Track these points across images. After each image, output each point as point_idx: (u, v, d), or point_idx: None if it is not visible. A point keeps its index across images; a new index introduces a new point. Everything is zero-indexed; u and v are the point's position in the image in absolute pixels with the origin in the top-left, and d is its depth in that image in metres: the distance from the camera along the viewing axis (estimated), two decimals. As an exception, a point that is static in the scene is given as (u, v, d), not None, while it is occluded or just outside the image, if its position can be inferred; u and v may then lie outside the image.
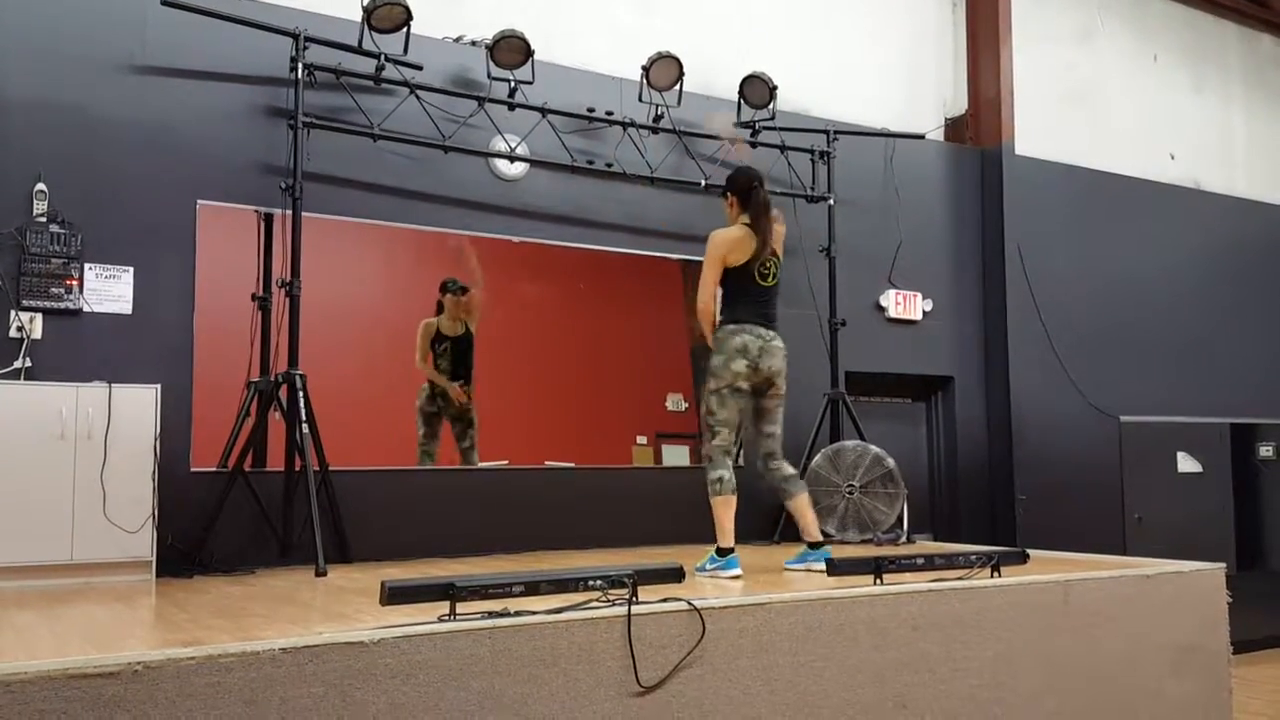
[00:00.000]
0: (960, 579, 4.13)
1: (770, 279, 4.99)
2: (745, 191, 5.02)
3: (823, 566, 4.65)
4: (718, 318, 5.01)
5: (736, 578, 4.66)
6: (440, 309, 6.49)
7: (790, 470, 5.00)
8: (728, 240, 4.95)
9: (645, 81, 6.76)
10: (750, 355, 4.85)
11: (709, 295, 4.99)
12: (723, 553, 4.77)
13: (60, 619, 3.69)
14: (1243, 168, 10.38)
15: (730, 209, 5.12)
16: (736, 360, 4.85)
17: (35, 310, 5.20)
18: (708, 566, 4.78)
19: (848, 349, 7.45)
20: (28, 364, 5.12)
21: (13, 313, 5.15)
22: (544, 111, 6.51)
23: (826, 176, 7.52)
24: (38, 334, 5.19)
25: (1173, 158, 9.87)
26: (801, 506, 4.95)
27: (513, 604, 3.20)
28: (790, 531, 6.85)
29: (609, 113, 6.78)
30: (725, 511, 4.82)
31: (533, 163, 6.62)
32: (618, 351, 6.93)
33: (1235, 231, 9.95)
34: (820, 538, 4.96)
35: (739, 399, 4.90)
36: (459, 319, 6.51)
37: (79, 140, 5.37)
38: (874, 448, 6.80)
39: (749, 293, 4.94)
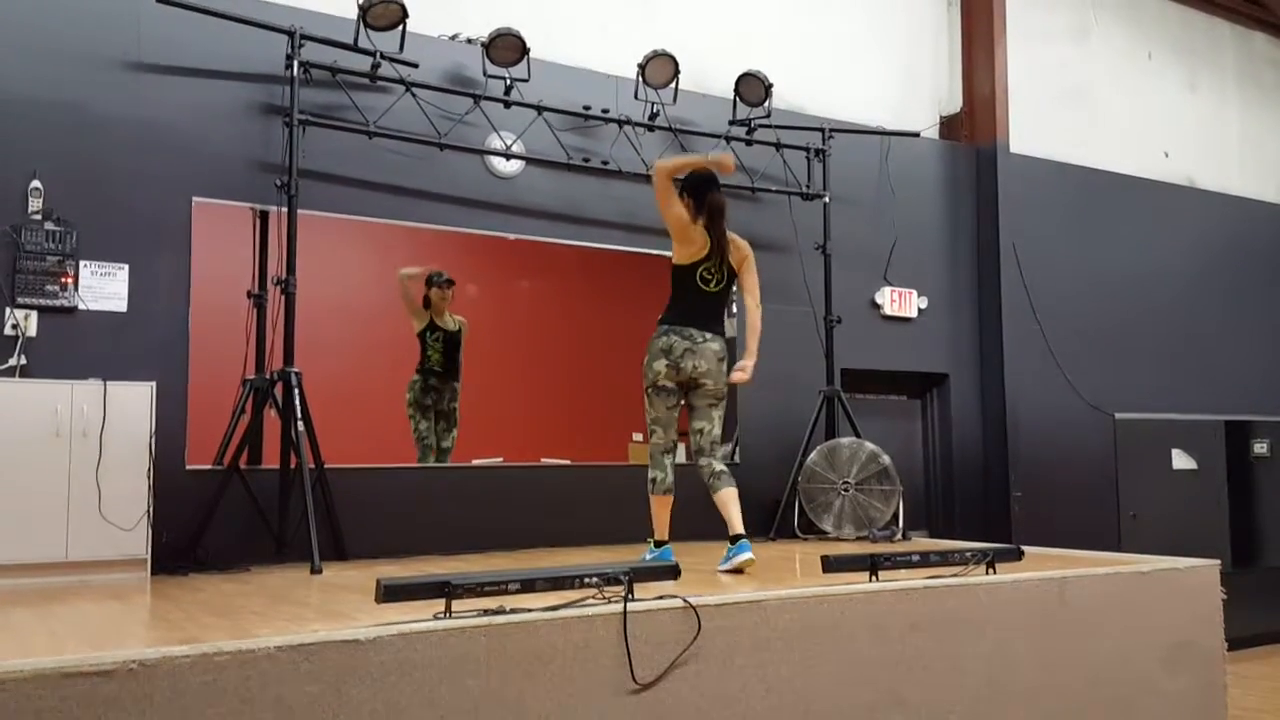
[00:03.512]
0: (956, 576, 4.14)
1: (714, 285, 4.96)
2: (700, 193, 4.99)
3: (745, 557, 4.69)
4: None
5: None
6: (428, 303, 6.49)
7: (719, 467, 4.93)
8: (690, 230, 4.91)
9: (641, 79, 6.76)
10: (672, 356, 4.86)
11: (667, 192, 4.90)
12: (659, 544, 4.93)
13: (55, 617, 3.69)
14: (1236, 165, 10.40)
15: (687, 210, 5.11)
16: (658, 360, 4.89)
17: (30, 308, 5.19)
18: (646, 557, 4.85)
19: (843, 346, 7.45)
20: (23, 362, 5.11)
21: (7, 310, 5.14)
22: (540, 109, 6.51)
23: (822, 174, 7.52)
24: (33, 331, 5.18)
25: (1167, 155, 9.89)
26: (725, 500, 4.86)
27: (508, 601, 3.20)
28: (786, 527, 6.88)
29: (605, 110, 6.78)
30: (660, 510, 4.95)
31: (528, 160, 6.62)
32: (613, 348, 6.93)
33: (1229, 229, 9.98)
34: (742, 530, 4.81)
35: (666, 397, 4.93)
36: (446, 313, 6.50)
37: (74, 137, 5.36)
38: (869, 445, 6.81)
39: (690, 296, 4.94)
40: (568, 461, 6.67)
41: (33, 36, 5.32)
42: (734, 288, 5.09)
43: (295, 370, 5.43)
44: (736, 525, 4.83)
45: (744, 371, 5.06)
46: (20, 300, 5.17)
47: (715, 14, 7.63)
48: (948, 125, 8.69)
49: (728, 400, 5.12)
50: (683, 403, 5.03)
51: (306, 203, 5.72)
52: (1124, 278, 9.19)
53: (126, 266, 5.43)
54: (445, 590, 3.10)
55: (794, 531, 6.89)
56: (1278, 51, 10.94)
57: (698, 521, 5.27)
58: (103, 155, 5.43)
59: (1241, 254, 10.01)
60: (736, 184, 7.18)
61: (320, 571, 4.98)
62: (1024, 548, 4.72)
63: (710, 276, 4.96)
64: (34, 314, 5.20)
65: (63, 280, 5.27)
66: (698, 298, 4.96)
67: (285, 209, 5.61)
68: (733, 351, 5.23)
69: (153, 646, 2.65)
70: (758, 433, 7.24)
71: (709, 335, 4.94)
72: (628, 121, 6.81)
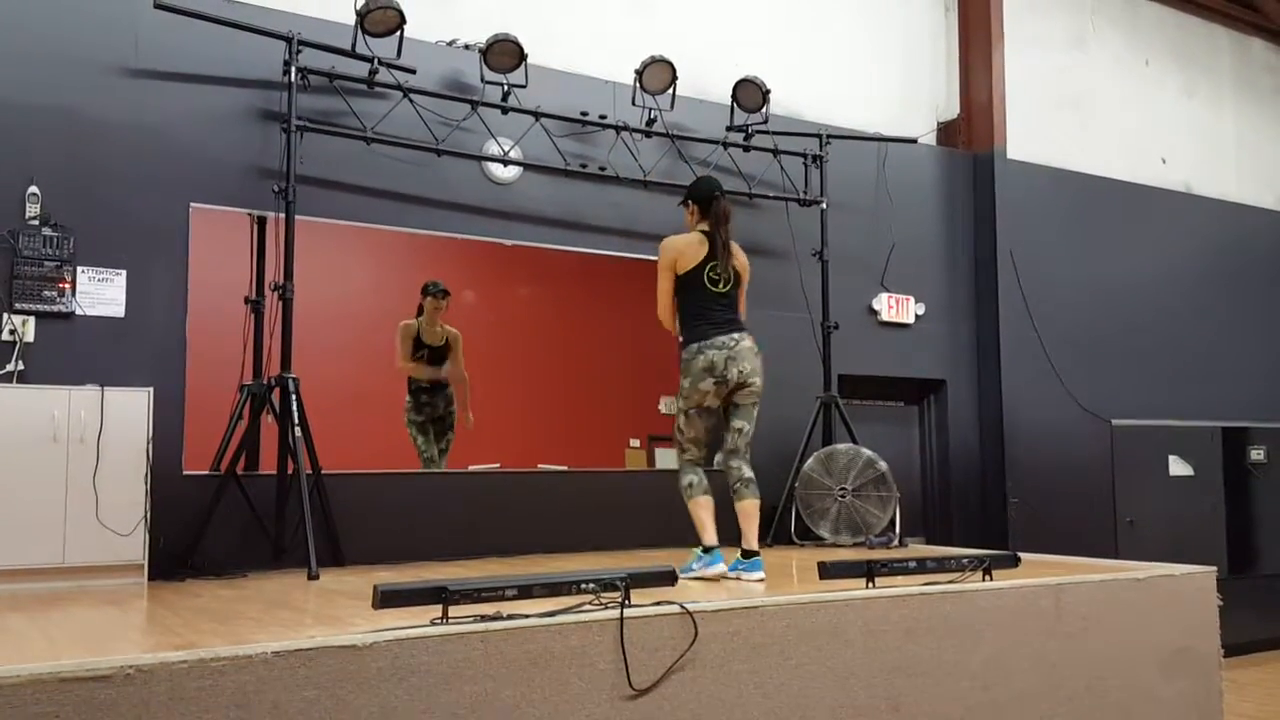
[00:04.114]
0: (952, 582, 4.14)
1: (722, 285, 4.92)
2: (706, 200, 5.03)
3: (757, 576, 4.67)
4: (679, 334, 5.00)
5: (722, 576, 4.69)
6: (420, 312, 6.48)
7: (749, 474, 4.90)
8: (676, 246, 4.95)
9: (638, 85, 6.77)
10: (717, 372, 4.81)
11: (666, 307, 4.96)
12: (707, 550, 4.80)
13: (52, 622, 3.68)
14: (1234, 171, 10.42)
15: (690, 216, 5.13)
16: (704, 380, 4.82)
17: (28, 313, 5.20)
18: (694, 566, 4.78)
19: (840, 352, 7.46)
20: (20, 367, 5.12)
21: (5, 316, 5.14)
22: (537, 115, 6.52)
23: (819, 180, 7.53)
24: (30, 337, 5.19)
25: (1164, 162, 9.90)
26: (749, 511, 4.84)
27: (505, 607, 3.20)
28: (783, 533, 6.88)
29: (602, 116, 6.79)
30: (702, 512, 4.84)
31: (526, 166, 6.63)
32: (610, 354, 6.94)
33: (1226, 235, 10.00)
34: (756, 547, 4.81)
35: (708, 416, 4.93)
36: (438, 325, 6.49)
37: (72, 143, 5.36)
38: (866, 451, 6.81)
39: (704, 303, 4.90)
40: (565, 467, 6.67)
41: (31, 42, 5.32)
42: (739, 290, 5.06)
43: (293, 376, 5.43)
44: (752, 540, 4.81)
45: None
46: (18, 306, 5.18)
47: (713, 20, 7.65)
48: (945, 131, 8.71)
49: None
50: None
51: (304, 209, 5.73)
52: (1121, 284, 9.21)
53: (124, 272, 5.44)
54: (442, 596, 3.10)
55: (791, 538, 6.89)
56: (1275, 58, 10.97)
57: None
58: (100, 161, 5.43)
59: (1238, 260, 10.03)
60: (735, 190, 7.21)
61: (317, 577, 4.98)
62: (1021, 554, 4.72)
63: (718, 276, 4.93)
64: (31, 319, 5.20)
65: (60, 286, 5.27)
66: (710, 300, 4.91)
67: (283, 215, 5.61)
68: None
69: (149, 652, 2.65)
70: (755, 438, 7.21)
71: (738, 335, 4.89)
72: (625, 127, 6.82)
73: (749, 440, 4.98)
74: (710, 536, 4.81)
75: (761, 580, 4.67)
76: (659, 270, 4.97)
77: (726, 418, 4.99)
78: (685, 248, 4.94)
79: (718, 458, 5.02)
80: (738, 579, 4.72)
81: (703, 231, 4.98)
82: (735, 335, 4.88)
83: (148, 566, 4.93)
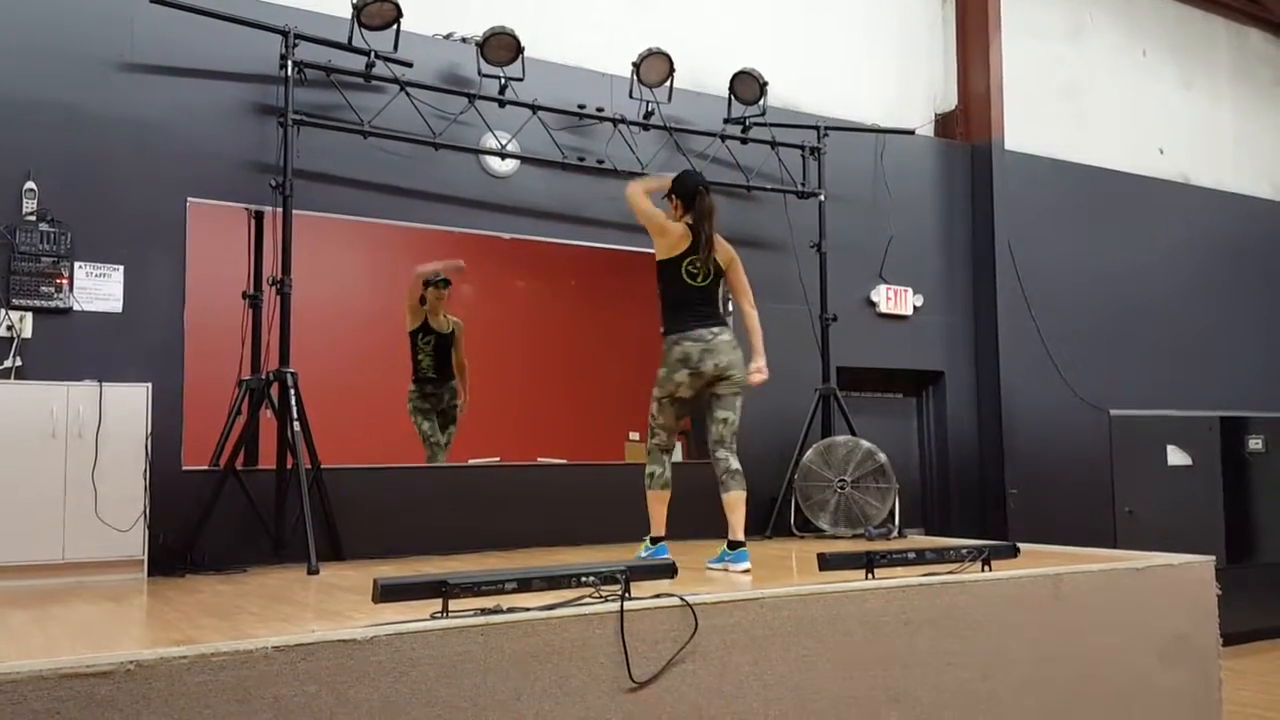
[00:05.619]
0: (952, 573, 4.14)
1: (701, 279, 4.96)
2: (690, 196, 5.04)
3: (743, 566, 4.71)
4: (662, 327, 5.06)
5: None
6: (423, 302, 6.48)
7: (735, 465, 4.92)
8: (666, 225, 5.00)
9: (636, 78, 6.75)
10: (691, 363, 4.88)
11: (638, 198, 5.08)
12: (655, 541, 4.95)
13: (52, 618, 3.69)
14: (1231, 162, 10.42)
15: (674, 210, 5.14)
16: (678, 371, 4.90)
17: (25, 309, 5.19)
18: (641, 555, 4.89)
19: (839, 344, 7.46)
20: (18, 363, 5.11)
21: (2, 311, 5.13)
22: (534, 108, 6.50)
23: (817, 172, 7.52)
24: (28, 333, 5.18)
25: (1161, 152, 9.90)
26: (734, 503, 4.86)
27: (505, 601, 3.20)
28: (782, 525, 6.89)
29: (599, 109, 6.78)
30: (656, 505, 5.00)
31: (523, 159, 6.62)
32: (609, 347, 6.94)
33: (1223, 225, 10.00)
34: (742, 538, 4.84)
35: (680, 406, 5.01)
36: (442, 314, 6.49)
37: (68, 138, 5.35)
38: (865, 442, 6.82)
39: (682, 295, 4.95)
40: (564, 461, 6.67)
41: (27, 37, 5.31)
42: (722, 285, 5.10)
43: (291, 370, 5.43)
44: (738, 531, 4.84)
45: (761, 371, 5.08)
46: (15, 302, 5.17)
47: (710, 12, 7.63)
48: (943, 122, 8.70)
49: None
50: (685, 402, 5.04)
51: (301, 203, 5.71)
52: (1119, 274, 9.21)
53: (121, 268, 5.43)
54: (442, 590, 3.10)
55: (790, 529, 6.90)
56: (1272, 49, 10.96)
57: (695, 520, 5.30)
58: (97, 156, 5.42)
59: (1236, 250, 10.03)
60: (732, 182, 7.20)
61: (317, 572, 4.98)
62: (1020, 544, 4.73)
63: (696, 270, 4.96)
64: (29, 315, 5.20)
65: (58, 281, 5.26)
66: (689, 293, 4.95)
67: (280, 209, 5.60)
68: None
69: (150, 647, 2.65)
70: (754, 430, 7.18)
71: (715, 329, 4.94)
72: (623, 120, 6.81)
73: (735, 430, 5.01)
74: (660, 528, 4.99)
75: (747, 571, 4.69)
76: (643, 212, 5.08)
77: (710, 409, 5.02)
78: (672, 229, 4.98)
79: (723, 453, 5.03)
80: (725, 570, 4.74)
81: (687, 225, 4.99)
82: (714, 329, 4.94)
83: (147, 562, 4.94)
